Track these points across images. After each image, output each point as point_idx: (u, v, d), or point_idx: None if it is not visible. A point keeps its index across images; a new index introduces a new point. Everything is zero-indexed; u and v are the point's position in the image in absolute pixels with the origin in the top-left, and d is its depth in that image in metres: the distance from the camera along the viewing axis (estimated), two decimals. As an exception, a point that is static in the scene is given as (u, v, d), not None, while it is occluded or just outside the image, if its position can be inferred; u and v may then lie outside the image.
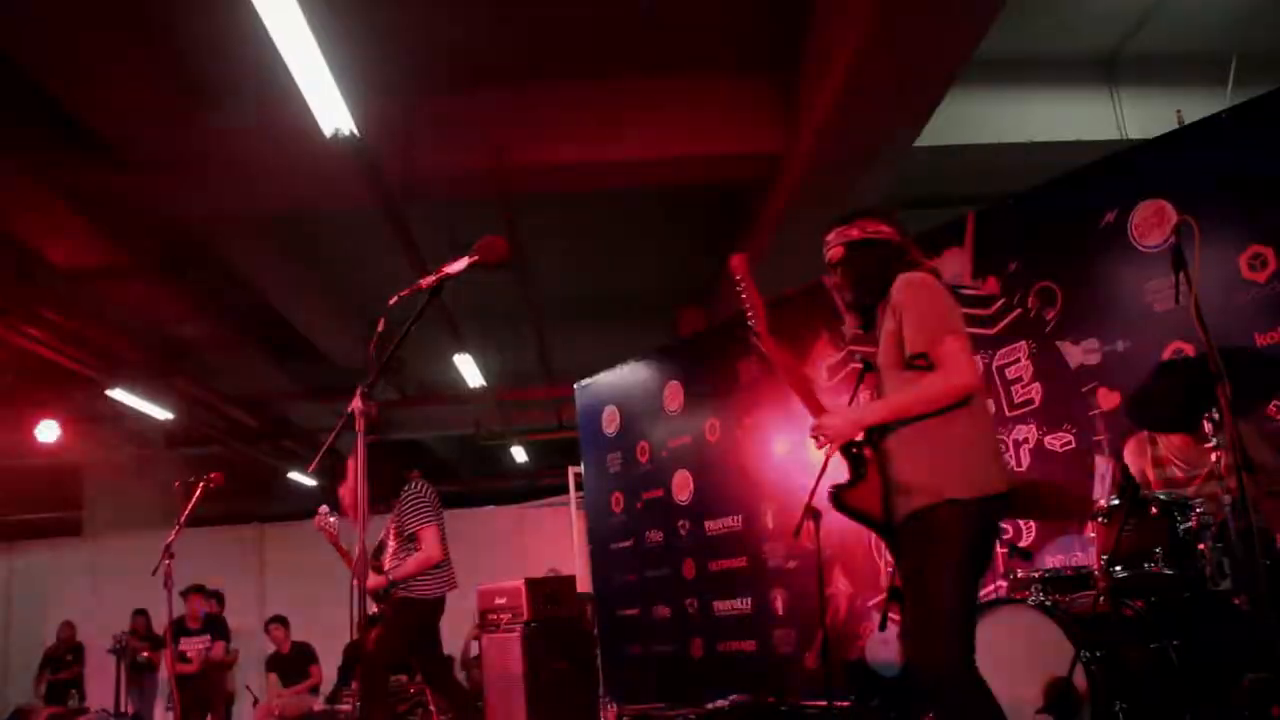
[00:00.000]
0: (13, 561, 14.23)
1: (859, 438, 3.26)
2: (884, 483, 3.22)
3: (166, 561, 5.82)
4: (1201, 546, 3.58)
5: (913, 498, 3.10)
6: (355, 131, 6.50)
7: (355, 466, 5.56)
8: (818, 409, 3.34)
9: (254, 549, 13.98)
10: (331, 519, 5.95)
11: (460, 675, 10.88)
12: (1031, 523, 5.56)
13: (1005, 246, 5.92)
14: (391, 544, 5.85)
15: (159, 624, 10.69)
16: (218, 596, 11.06)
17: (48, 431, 11.02)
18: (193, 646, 9.67)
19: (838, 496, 3.28)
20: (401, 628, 5.66)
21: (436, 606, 5.75)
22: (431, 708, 6.41)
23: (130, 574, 8.54)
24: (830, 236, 3.47)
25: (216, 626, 10.01)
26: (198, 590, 9.88)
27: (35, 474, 14.33)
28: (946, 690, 2.95)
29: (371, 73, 6.90)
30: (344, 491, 5.73)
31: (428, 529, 5.62)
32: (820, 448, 3.33)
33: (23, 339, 9.26)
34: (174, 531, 5.82)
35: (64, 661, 11.92)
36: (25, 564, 14.14)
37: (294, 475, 15.26)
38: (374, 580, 5.68)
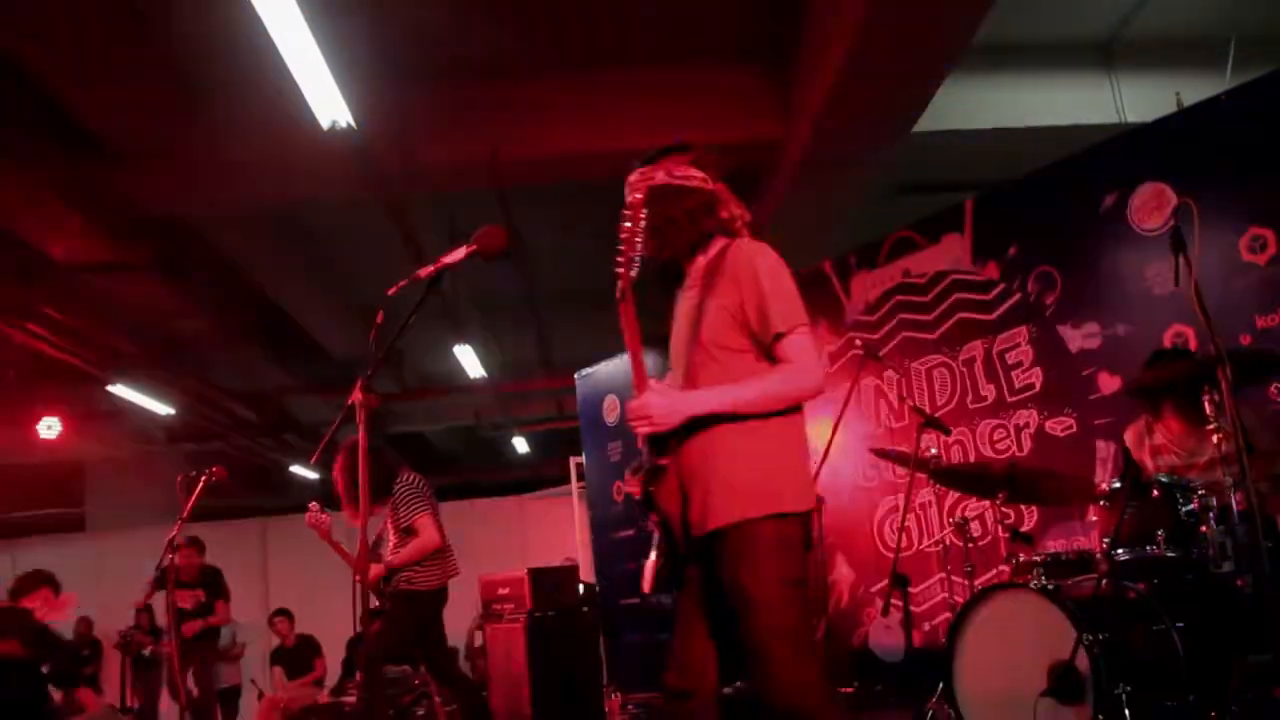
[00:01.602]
0: (16, 558, 14.24)
1: (677, 425, 2.74)
2: (682, 484, 2.76)
3: (169, 557, 5.82)
4: (1203, 529, 3.59)
5: (738, 505, 2.66)
6: (352, 124, 6.50)
7: (343, 457, 5.60)
8: (644, 386, 2.75)
9: (257, 543, 14.04)
10: (324, 515, 5.95)
11: (465, 666, 10.92)
12: (1033, 507, 5.57)
13: (1005, 231, 5.92)
14: (391, 538, 5.86)
15: (161, 618, 10.69)
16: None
17: (49, 428, 11.03)
18: (187, 599, 8.87)
19: (650, 497, 2.79)
20: (402, 622, 5.68)
21: (438, 597, 5.77)
22: (436, 699, 6.43)
23: (134, 569, 8.55)
24: (633, 178, 2.97)
25: (214, 582, 9.09)
26: (192, 544, 8.95)
27: (38, 470, 14.36)
28: (813, 716, 2.56)
29: (368, 64, 6.89)
30: (337, 474, 5.72)
31: (423, 517, 5.65)
32: (637, 430, 2.76)
33: (23, 336, 9.26)
34: (176, 526, 5.83)
35: (81, 657, 11.93)
36: (29, 560, 14.15)
37: (296, 469, 15.27)
38: (374, 569, 5.69)
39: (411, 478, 5.79)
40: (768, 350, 2.75)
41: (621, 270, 2.79)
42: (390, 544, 5.86)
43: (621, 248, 2.78)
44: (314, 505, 5.98)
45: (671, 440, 2.76)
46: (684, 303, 2.95)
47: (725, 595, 2.68)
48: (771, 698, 2.58)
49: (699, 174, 2.93)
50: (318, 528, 5.94)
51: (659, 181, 2.91)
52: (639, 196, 2.89)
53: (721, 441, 2.72)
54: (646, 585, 2.93)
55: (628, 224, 2.78)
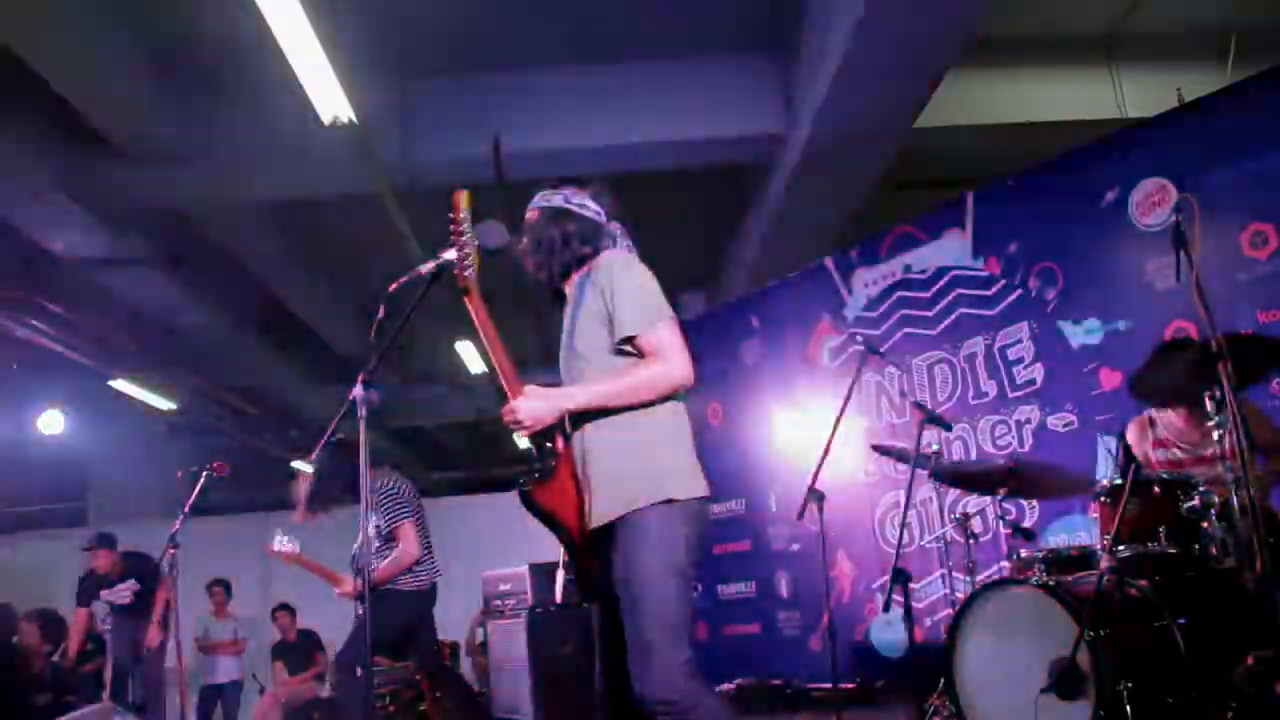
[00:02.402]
0: (18, 551, 14.26)
1: (553, 425, 2.85)
2: (577, 480, 2.87)
3: (171, 551, 5.83)
4: (1205, 525, 3.58)
5: (622, 497, 2.75)
6: (354, 119, 6.49)
7: (305, 480, 5.51)
8: (516, 388, 2.85)
9: (258, 537, 13.99)
10: (286, 543, 5.82)
11: (466, 661, 10.92)
12: (1034, 503, 5.57)
13: (1006, 227, 5.92)
14: (374, 544, 5.73)
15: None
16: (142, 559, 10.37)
17: (51, 422, 11.04)
18: (119, 594, 8.24)
19: (527, 494, 2.85)
20: (383, 622, 5.46)
21: (422, 599, 5.60)
22: (437, 694, 6.42)
23: (136, 564, 8.54)
24: (536, 198, 3.17)
25: (142, 571, 8.29)
26: (103, 543, 8.28)
27: (40, 465, 14.35)
28: (690, 708, 2.59)
29: (369, 60, 6.89)
30: (296, 501, 5.61)
31: (404, 526, 5.44)
32: (516, 432, 2.88)
33: (25, 330, 9.26)
34: (178, 521, 5.83)
35: (86, 652, 11.89)
36: (30, 555, 14.17)
37: (298, 463, 15.27)
38: (349, 587, 5.52)
39: (391, 481, 5.54)
40: (619, 349, 2.86)
41: (458, 272, 2.93)
42: (374, 550, 5.73)
43: (461, 247, 2.92)
44: (277, 537, 5.85)
45: (556, 439, 2.87)
46: (565, 319, 3.09)
47: (615, 587, 2.73)
48: (642, 685, 2.60)
49: (595, 205, 3.11)
50: (283, 557, 5.81)
51: (555, 204, 3.10)
52: (534, 214, 3.12)
53: (598, 439, 2.83)
54: (558, 596, 3.02)
55: (453, 227, 2.92)
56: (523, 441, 2.87)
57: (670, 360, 2.80)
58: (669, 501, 2.73)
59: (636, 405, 2.80)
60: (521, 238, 3.12)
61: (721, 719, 2.64)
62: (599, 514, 2.77)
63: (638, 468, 2.76)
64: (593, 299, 2.92)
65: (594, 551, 2.83)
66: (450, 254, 2.97)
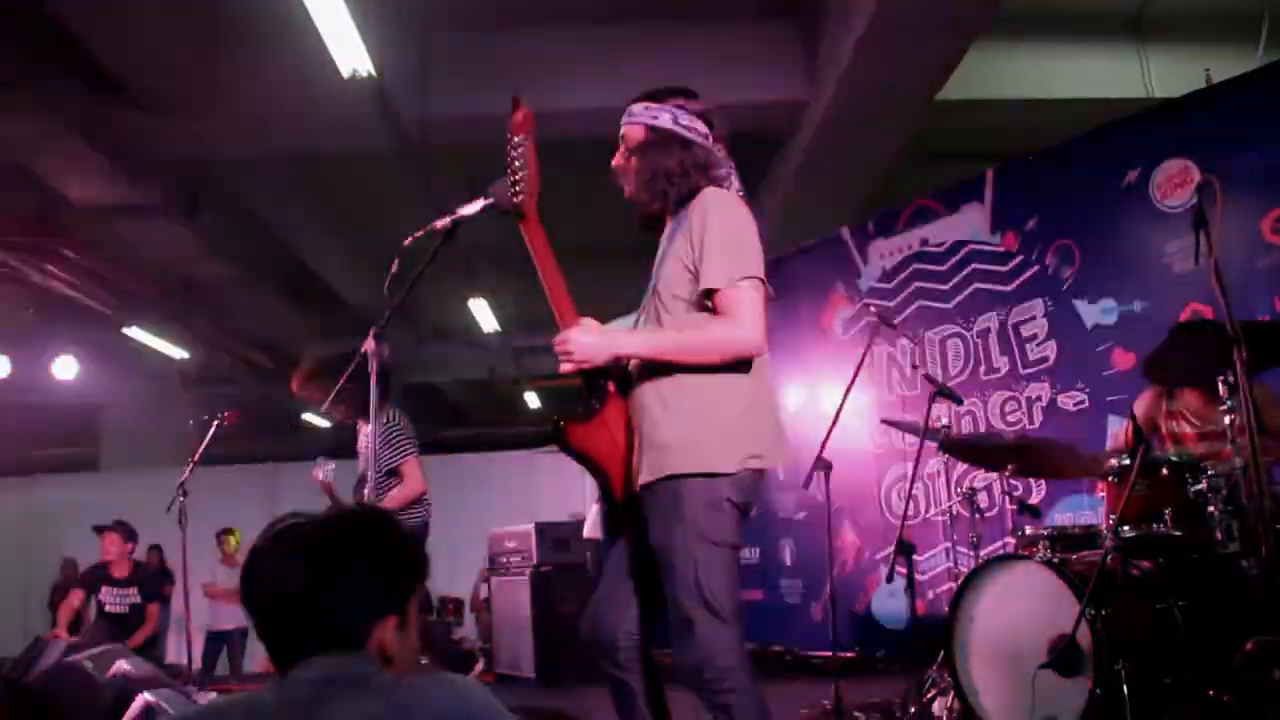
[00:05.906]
0: (31, 497, 14.40)
1: (603, 364, 2.67)
2: (629, 432, 2.69)
3: (181, 499, 5.87)
4: (1211, 509, 3.58)
5: (666, 458, 2.57)
6: (373, 73, 6.47)
7: (309, 364, 5.42)
8: (570, 318, 2.68)
9: (269, 488, 14.09)
10: (330, 466, 5.81)
11: (470, 617, 11.01)
12: (1041, 480, 5.57)
13: (1025, 203, 5.88)
14: (370, 476, 5.74)
15: (172, 559, 10.69)
16: (157, 549, 10.51)
17: (66, 368, 11.10)
18: (115, 600, 7.69)
19: (561, 430, 2.66)
20: None
21: (421, 534, 5.65)
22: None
23: (146, 511, 8.60)
24: (636, 108, 2.85)
25: (149, 581, 7.99)
26: (117, 528, 7.81)
27: (54, 410, 14.46)
28: (725, 690, 2.47)
29: (389, 13, 6.85)
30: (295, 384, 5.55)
31: (409, 462, 5.39)
32: (563, 364, 2.67)
33: (42, 276, 9.31)
34: (188, 469, 5.87)
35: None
36: (43, 499, 14.31)
37: (308, 415, 15.34)
38: None
39: (397, 415, 5.49)
40: (703, 304, 2.63)
41: (511, 195, 2.73)
42: (369, 483, 5.74)
43: (514, 170, 2.71)
44: (321, 460, 5.84)
45: (606, 383, 2.71)
46: (658, 252, 2.87)
47: (652, 552, 2.60)
48: (687, 661, 2.50)
49: (703, 128, 2.80)
50: (324, 485, 5.82)
51: (664, 125, 2.78)
52: (639, 131, 2.82)
53: (655, 393, 2.63)
54: (599, 532, 2.90)
55: (517, 149, 2.71)
56: (565, 366, 2.64)
57: (742, 324, 2.55)
58: (711, 474, 2.53)
59: (697, 366, 2.59)
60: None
61: (754, 715, 2.48)
62: (644, 473, 2.60)
63: (687, 433, 2.56)
64: (681, 240, 2.68)
65: (631, 507, 2.66)
66: (468, 209, 2.90)
